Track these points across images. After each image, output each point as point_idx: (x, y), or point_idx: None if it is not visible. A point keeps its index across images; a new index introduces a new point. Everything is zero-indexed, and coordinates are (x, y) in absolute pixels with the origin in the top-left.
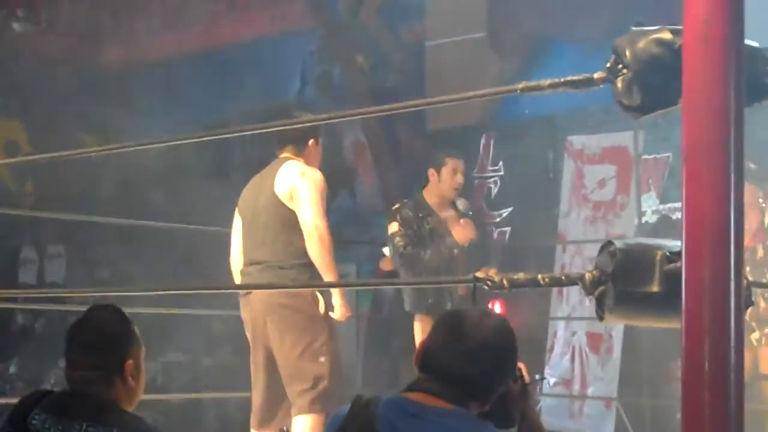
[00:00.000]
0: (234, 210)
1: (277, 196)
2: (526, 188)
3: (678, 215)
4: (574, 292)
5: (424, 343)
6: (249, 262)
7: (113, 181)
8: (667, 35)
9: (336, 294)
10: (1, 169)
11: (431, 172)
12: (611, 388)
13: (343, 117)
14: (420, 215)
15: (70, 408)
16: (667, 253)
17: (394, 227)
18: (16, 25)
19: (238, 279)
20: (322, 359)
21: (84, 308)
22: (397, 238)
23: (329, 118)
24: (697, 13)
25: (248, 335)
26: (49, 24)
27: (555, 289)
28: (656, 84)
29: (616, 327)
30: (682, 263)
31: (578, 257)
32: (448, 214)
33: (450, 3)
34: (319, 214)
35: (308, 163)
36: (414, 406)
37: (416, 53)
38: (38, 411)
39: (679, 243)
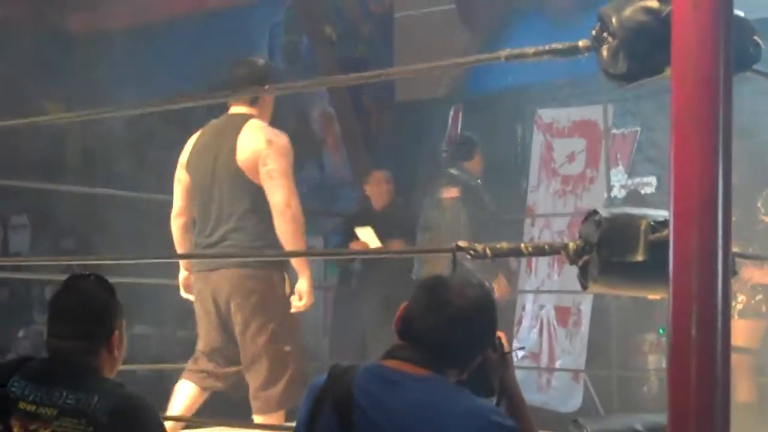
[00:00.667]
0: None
1: (239, 167)
2: (495, 161)
3: (646, 190)
4: (543, 265)
5: (403, 310)
6: (207, 238)
7: (78, 150)
8: (653, 3)
9: (304, 280)
10: None
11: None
12: (579, 361)
13: (312, 85)
14: None
15: (51, 375)
16: (652, 223)
17: None
18: None
19: (179, 237)
20: (288, 348)
21: (49, 278)
22: None
23: (299, 87)
24: None
25: (200, 308)
26: None
27: (524, 263)
28: (642, 52)
29: (585, 301)
30: (670, 231)
31: (547, 231)
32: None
33: None
34: (292, 190)
35: (263, 116)
36: (392, 372)
37: (384, 24)
38: (18, 377)
39: (663, 213)
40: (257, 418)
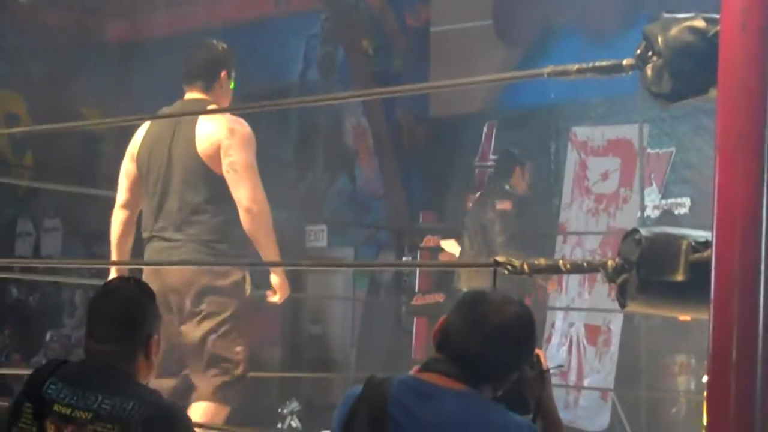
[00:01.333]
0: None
1: (198, 155)
2: (529, 177)
3: (680, 211)
4: (574, 283)
5: (443, 323)
6: (156, 232)
7: (112, 155)
8: (700, 23)
9: (275, 275)
10: (1, 141)
11: None
12: (608, 380)
13: (346, 98)
14: None
15: (87, 379)
16: (693, 243)
17: None
18: None
19: (119, 231)
20: (239, 348)
21: (79, 281)
22: None
23: (332, 99)
24: (735, 1)
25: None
26: None
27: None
28: (687, 72)
29: (615, 320)
30: (713, 252)
31: (578, 249)
32: None
33: None
34: (256, 184)
35: (220, 102)
36: (427, 386)
37: (421, 38)
38: (54, 380)
39: (704, 233)
40: (197, 406)
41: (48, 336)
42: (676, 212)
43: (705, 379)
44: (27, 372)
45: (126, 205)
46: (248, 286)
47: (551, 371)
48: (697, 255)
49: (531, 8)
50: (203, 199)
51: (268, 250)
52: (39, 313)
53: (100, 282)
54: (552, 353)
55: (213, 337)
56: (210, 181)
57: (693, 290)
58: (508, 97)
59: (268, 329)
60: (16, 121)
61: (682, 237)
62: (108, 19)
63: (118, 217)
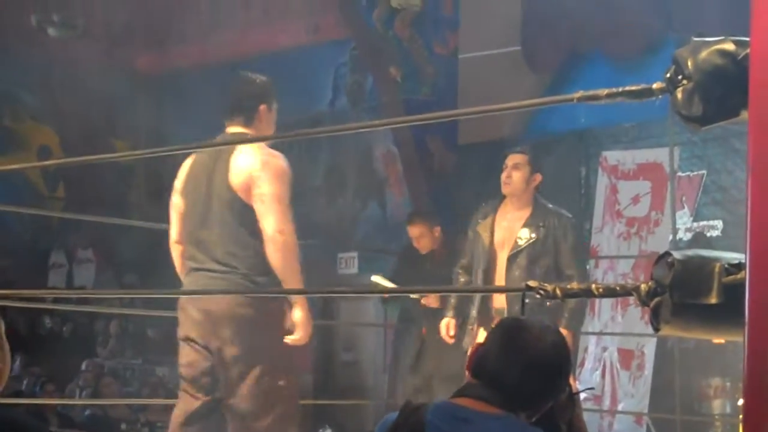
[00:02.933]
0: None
1: (232, 189)
2: (558, 203)
3: (712, 233)
4: (606, 307)
5: (478, 349)
6: (202, 264)
7: (142, 186)
8: (730, 46)
9: (298, 309)
10: (34, 173)
11: None
12: (642, 404)
13: (375, 126)
14: None
15: None
16: (726, 265)
17: None
18: (51, 30)
19: (178, 264)
20: (282, 382)
21: (111, 311)
22: None
23: (362, 127)
24: (765, 23)
25: (183, 335)
26: (85, 30)
27: (587, 305)
28: (718, 95)
29: (648, 344)
30: (746, 275)
31: (611, 273)
32: None
33: (483, 17)
34: (284, 216)
35: (259, 133)
36: (464, 411)
37: (449, 66)
38: None
39: (737, 255)
40: None
41: (83, 366)
42: (708, 235)
43: (741, 402)
44: (61, 402)
45: (180, 239)
46: (287, 320)
47: (582, 394)
48: (731, 277)
49: (559, 34)
50: (240, 232)
51: (292, 283)
52: (72, 344)
53: (132, 312)
54: (585, 378)
55: (256, 374)
56: (245, 214)
57: (727, 313)
58: (537, 123)
59: (300, 356)
60: (48, 154)
61: (715, 259)
62: (139, 50)
63: (175, 252)
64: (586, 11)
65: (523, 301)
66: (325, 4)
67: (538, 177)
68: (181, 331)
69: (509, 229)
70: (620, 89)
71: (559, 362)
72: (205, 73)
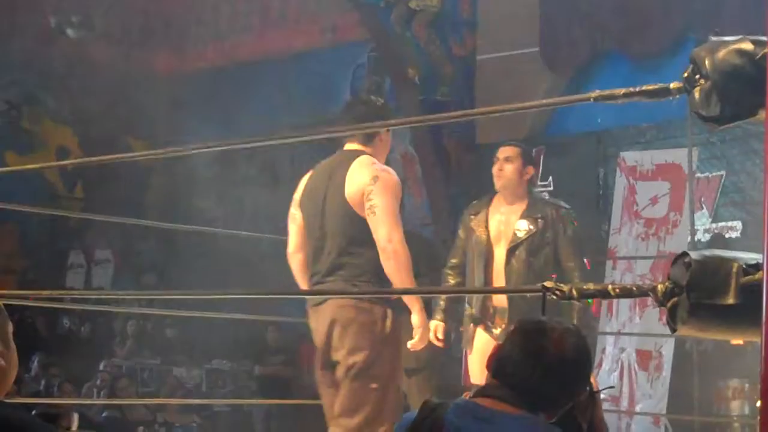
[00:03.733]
0: (291, 197)
1: (347, 201)
2: (576, 203)
3: (731, 234)
4: (624, 308)
5: (498, 349)
6: (317, 274)
7: (161, 187)
8: (748, 45)
9: (416, 314)
10: (52, 174)
11: None
12: (660, 405)
13: (394, 125)
14: None
15: None
16: (744, 266)
17: None
18: (69, 31)
19: (298, 273)
20: (374, 385)
21: (129, 311)
22: None
23: (380, 126)
24: None
25: (316, 343)
26: (103, 31)
27: (605, 305)
28: (736, 95)
29: (666, 344)
30: (764, 275)
31: (629, 274)
32: None
33: (501, 17)
34: (394, 226)
35: (377, 155)
36: (483, 410)
37: (467, 66)
38: None
39: (755, 255)
40: None
41: (101, 366)
42: (727, 236)
43: (759, 404)
44: (78, 402)
45: (298, 249)
46: (390, 325)
47: (602, 393)
48: (748, 277)
49: (577, 34)
50: (352, 242)
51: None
52: (90, 344)
53: (148, 311)
54: (603, 379)
55: (353, 372)
56: (358, 225)
57: (744, 313)
58: (555, 123)
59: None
60: (67, 154)
61: (733, 259)
62: (157, 51)
63: (294, 261)
64: (605, 11)
65: (543, 301)
66: (343, 6)
67: (531, 169)
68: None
69: (505, 222)
70: (637, 89)
71: (579, 364)
72: (224, 74)
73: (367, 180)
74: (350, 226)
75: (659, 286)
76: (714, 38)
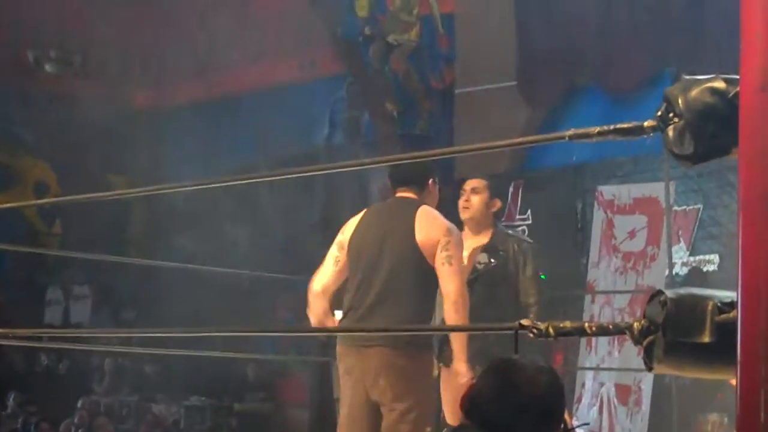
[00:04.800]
0: (335, 236)
1: (418, 247)
2: (555, 237)
3: (709, 267)
4: (603, 343)
5: (471, 389)
6: (363, 316)
7: (141, 223)
8: (720, 84)
9: (461, 362)
10: (30, 210)
11: None
12: None
13: (372, 163)
14: None
15: None
16: (719, 304)
17: None
18: (48, 66)
19: (323, 312)
20: (429, 429)
21: (107, 348)
22: None
23: (357, 165)
24: (754, 62)
25: (347, 381)
26: (81, 66)
27: (584, 340)
28: (709, 133)
29: (646, 379)
30: (738, 313)
31: (607, 307)
32: None
33: (479, 51)
34: (464, 281)
35: (430, 204)
36: None
37: (445, 100)
38: None
39: (729, 294)
40: None
41: (79, 403)
42: (704, 269)
43: None
44: None
45: (327, 290)
46: (436, 370)
47: (577, 430)
48: (724, 316)
49: (554, 68)
50: (412, 286)
51: (461, 343)
52: (68, 381)
53: (127, 350)
54: (583, 413)
55: (405, 418)
56: (422, 270)
57: (720, 351)
58: (534, 157)
59: (297, 392)
60: (45, 190)
61: (708, 298)
62: (135, 87)
63: (320, 301)
64: (582, 46)
65: (516, 339)
66: (322, 40)
67: (497, 202)
68: (345, 380)
69: (469, 255)
70: (611, 127)
71: (552, 402)
72: (203, 108)
73: (443, 231)
74: (414, 270)
75: (635, 324)
76: (687, 77)
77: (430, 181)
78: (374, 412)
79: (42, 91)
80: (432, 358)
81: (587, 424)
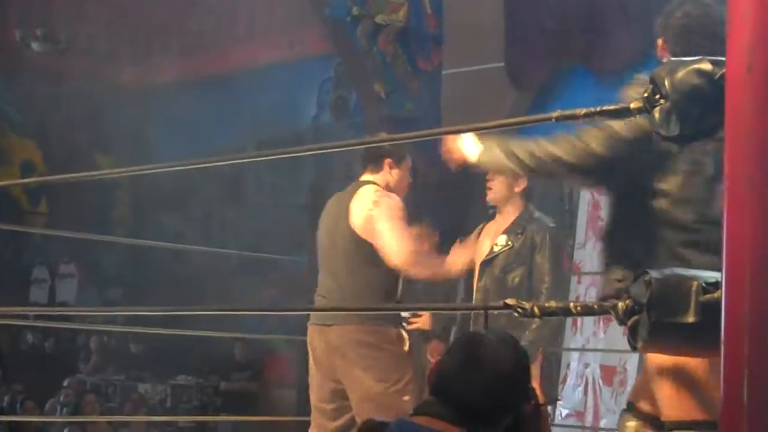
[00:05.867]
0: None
1: (351, 227)
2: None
3: None
4: (589, 323)
5: (437, 365)
6: (322, 298)
7: (126, 202)
8: (706, 66)
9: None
10: (16, 188)
11: None
12: None
13: (358, 145)
14: None
15: None
16: (703, 284)
17: None
18: (34, 45)
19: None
20: (407, 398)
21: (93, 327)
22: None
23: (344, 146)
24: (741, 42)
25: (313, 360)
26: (68, 45)
27: (569, 321)
28: (695, 114)
29: (630, 360)
30: (723, 293)
31: (593, 289)
32: None
33: (467, 33)
34: (401, 244)
35: (391, 186)
36: (424, 430)
37: (433, 81)
38: None
39: (714, 274)
40: None
41: (65, 382)
42: None
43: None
44: (41, 419)
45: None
46: (407, 344)
47: (552, 405)
48: (708, 296)
49: (543, 49)
50: (356, 266)
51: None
52: (54, 359)
53: (113, 328)
54: (568, 394)
55: (380, 388)
56: (368, 251)
57: (704, 331)
58: (521, 137)
59: (283, 372)
60: (31, 168)
61: (693, 278)
62: (122, 66)
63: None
64: (570, 27)
65: (486, 316)
66: (310, 20)
67: (523, 183)
68: (311, 360)
69: (492, 237)
70: (598, 108)
71: (516, 376)
72: (190, 88)
73: (369, 205)
74: (357, 250)
75: (620, 305)
76: (673, 58)
77: (386, 161)
78: (339, 389)
79: (29, 69)
80: (398, 331)
81: (558, 399)
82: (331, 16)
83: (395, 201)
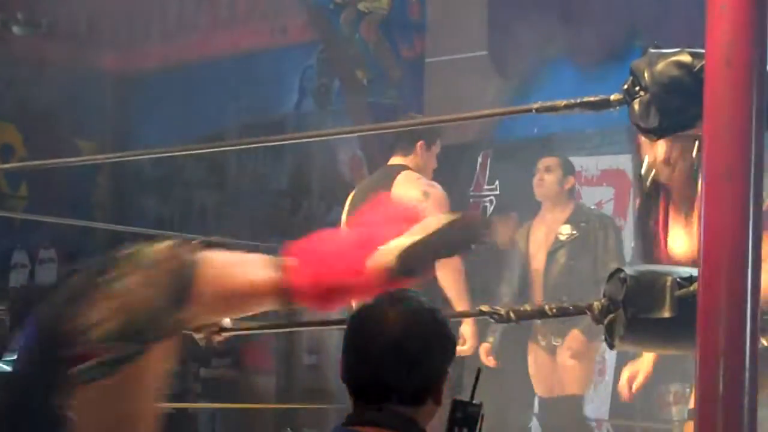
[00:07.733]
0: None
1: None
2: (522, 208)
3: None
4: None
5: (342, 361)
6: None
7: (108, 186)
8: (686, 58)
9: (466, 323)
10: None
11: None
12: (602, 410)
13: (341, 133)
14: None
15: None
16: (678, 279)
17: None
18: (15, 28)
19: None
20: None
21: None
22: None
23: (326, 135)
24: (720, 35)
25: None
26: (49, 28)
27: None
28: (674, 107)
29: (609, 349)
30: (699, 286)
31: None
32: None
33: (451, 21)
34: None
35: (420, 166)
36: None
37: (416, 69)
38: None
39: (687, 269)
40: None
41: None
42: None
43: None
44: None
45: None
46: None
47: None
48: (683, 290)
49: (526, 39)
50: None
51: (460, 302)
52: None
53: None
54: None
55: None
56: None
57: (681, 326)
58: (503, 126)
59: (263, 359)
60: (11, 152)
61: (667, 273)
62: (106, 50)
63: None
64: (553, 17)
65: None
66: (293, 7)
67: (572, 179)
68: None
69: (547, 230)
70: (578, 100)
71: (420, 338)
72: (172, 73)
73: (419, 196)
74: None
75: (595, 304)
76: (653, 50)
77: (418, 144)
78: None
79: (9, 53)
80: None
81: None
82: (314, 2)
83: (442, 193)
